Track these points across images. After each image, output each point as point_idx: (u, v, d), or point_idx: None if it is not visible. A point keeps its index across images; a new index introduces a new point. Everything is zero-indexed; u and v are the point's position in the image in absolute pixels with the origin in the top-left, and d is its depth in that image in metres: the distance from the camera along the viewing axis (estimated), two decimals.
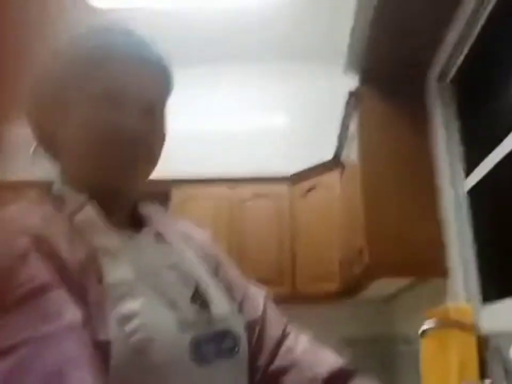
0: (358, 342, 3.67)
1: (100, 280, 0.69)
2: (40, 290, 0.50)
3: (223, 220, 3.61)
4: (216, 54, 4.02)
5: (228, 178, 3.68)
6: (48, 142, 0.85)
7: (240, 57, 4.06)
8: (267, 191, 3.68)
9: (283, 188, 3.67)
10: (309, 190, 3.57)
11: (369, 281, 2.61)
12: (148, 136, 0.81)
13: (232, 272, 0.98)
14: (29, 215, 0.72)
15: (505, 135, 1.81)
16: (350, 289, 3.15)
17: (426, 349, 2.22)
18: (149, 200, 0.90)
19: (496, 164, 1.92)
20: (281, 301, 3.68)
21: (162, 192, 3.44)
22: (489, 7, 1.93)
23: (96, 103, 0.78)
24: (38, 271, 0.52)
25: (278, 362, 0.88)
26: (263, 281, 3.62)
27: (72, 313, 0.55)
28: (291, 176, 3.65)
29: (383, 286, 2.78)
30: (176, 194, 3.63)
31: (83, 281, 0.67)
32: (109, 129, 0.78)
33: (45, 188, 0.84)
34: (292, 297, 3.45)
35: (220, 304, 0.83)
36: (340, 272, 3.26)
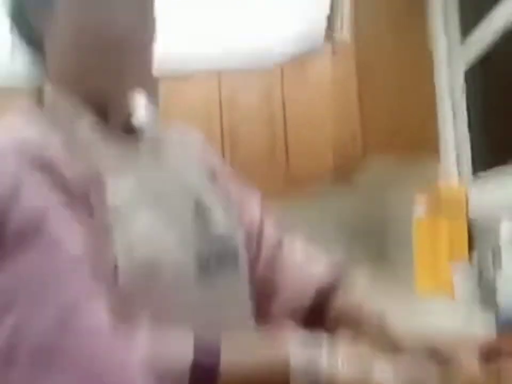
0: (353, 227, 3.77)
1: (104, 200, 0.67)
2: (40, 226, 0.48)
3: (213, 104, 3.56)
4: None
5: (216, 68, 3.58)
6: (34, 39, 0.78)
7: None
8: (257, 76, 3.58)
9: (275, 69, 3.57)
10: (301, 70, 3.47)
11: (363, 162, 2.61)
12: (140, 33, 0.76)
13: (228, 178, 0.97)
14: (24, 126, 0.67)
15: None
16: (344, 173, 3.17)
17: (418, 232, 2.27)
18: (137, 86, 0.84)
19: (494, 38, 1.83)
20: (276, 192, 3.74)
21: (150, 81, 3.34)
22: None
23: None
24: (33, 202, 0.50)
25: (273, 267, 0.91)
26: (257, 173, 3.65)
27: (74, 244, 0.54)
28: (282, 60, 3.53)
29: (375, 168, 2.79)
30: (162, 86, 3.53)
31: (88, 200, 0.65)
32: (100, 26, 0.73)
33: (34, 95, 0.78)
34: (286, 187, 3.49)
35: (220, 217, 0.82)
36: (333, 152, 3.26)
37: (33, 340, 0.42)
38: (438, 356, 0.66)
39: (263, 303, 0.88)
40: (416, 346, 0.68)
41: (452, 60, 2.18)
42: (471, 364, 0.63)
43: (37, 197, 0.52)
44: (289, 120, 3.52)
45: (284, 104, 3.54)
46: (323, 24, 3.14)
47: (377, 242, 3.69)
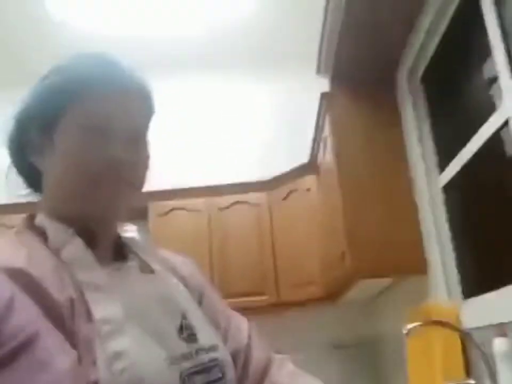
0: (344, 344, 3.66)
1: (89, 318, 0.68)
2: (29, 344, 0.48)
3: (202, 230, 3.59)
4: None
5: (204, 187, 3.67)
6: (29, 173, 0.83)
7: (206, 68, 4.05)
8: (245, 198, 3.66)
9: (261, 195, 3.66)
10: (287, 195, 3.56)
11: (352, 284, 2.61)
12: (134, 166, 0.80)
13: (216, 300, 0.97)
14: (13, 252, 0.69)
15: (475, 131, 1.83)
16: (332, 293, 3.15)
17: (411, 348, 2.22)
18: (128, 217, 0.88)
19: (468, 160, 1.94)
20: (266, 310, 3.70)
21: (140, 208, 3.42)
22: (453, 7, 1.95)
23: (81, 135, 0.77)
24: (24, 321, 0.50)
25: None
26: (247, 292, 3.63)
27: (61, 361, 0.54)
28: (268, 181, 3.64)
29: (365, 288, 2.78)
30: (154, 209, 3.60)
31: (72, 320, 0.66)
32: (95, 160, 0.76)
33: (25, 220, 0.81)
34: (276, 305, 3.44)
35: (206, 335, 0.82)
36: (321, 276, 3.26)
37: None
38: None
39: None
40: None
41: (430, 179, 2.28)
42: None
43: (29, 314, 0.52)
44: (277, 244, 3.56)
45: (272, 230, 3.58)
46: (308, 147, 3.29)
47: (369, 360, 3.57)
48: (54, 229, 0.77)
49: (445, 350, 1.88)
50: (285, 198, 3.57)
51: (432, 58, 2.26)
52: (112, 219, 0.82)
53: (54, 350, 0.55)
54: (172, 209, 3.64)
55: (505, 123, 1.61)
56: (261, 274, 3.50)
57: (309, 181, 3.40)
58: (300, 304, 3.40)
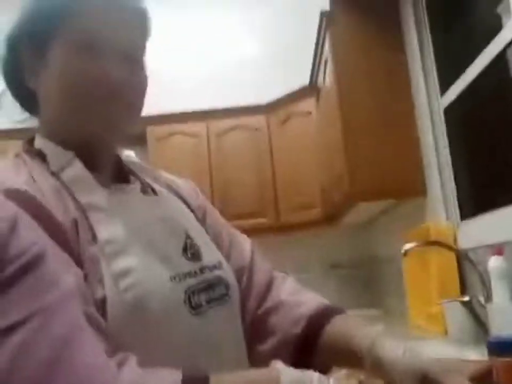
0: (342, 265, 3.77)
1: (93, 238, 0.69)
2: (35, 262, 0.48)
3: (202, 155, 3.59)
4: None
5: (203, 111, 3.62)
6: (26, 95, 0.81)
7: None
8: (244, 122, 3.63)
9: (260, 118, 3.63)
10: (286, 119, 3.53)
11: (350, 207, 2.64)
12: (131, 85, 0.77)
13: (218, 220, 0.97)
14: (14, 175, 0.69)
15: (480, 52, 1.78)
16: (331, 215, 3.19)
17: (408, 267, 2.28)
18: (126, 142, 0.87)
19: (470, 82, 1.90)
20: (266, 231, 3.76)
21: (138, 133, 3.39)
22: None
23: (75, 52, 0.74)
24: (29, 240, 0.50)
25: (265, 305, 0.89)
26: (247, 214, 3.67)
27: (67, 279, 0.55)
28: (267, 105, 3.60)
29: (364, 210, 2.82)
30: (152, 133, 3.58)
31: (77, 241, 0.66)
32: (90, 79, 0.74)
33: (24, 143, 0.80)
34: (276, 228, 3.50)
35: (210, 253, 0.83)
36: (321, 199, 3.29)
37: (27, 375, 0.42)
38: (429, 383, 0.66)
39: (255, 344, 0.87)
40: (407, 374, 0.67)
41: (431, 101, 2.25)
42: None
43: (34, 234, 0.52)
44: (277, 167, 3.56)
45: (271, 154, 3.58)
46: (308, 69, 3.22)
47: (366, 280, 3.68)
48: (53, 151, 0.76)
49: (441, 269, 1.93)
50: (284, 122, 3.54)
51: None
52: (111, 141, 0.81)
53: (60, 269, 0.56)
54: (170, 134, 3.62)
55: None
56: (261, 197, 3.54)
57: (309, 104, 3.36)
58: (299, 226, 3.45)
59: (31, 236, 0.50)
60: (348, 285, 3.72)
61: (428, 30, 2.30)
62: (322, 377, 0.60)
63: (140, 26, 0.81)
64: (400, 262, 2.33)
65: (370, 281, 3.68)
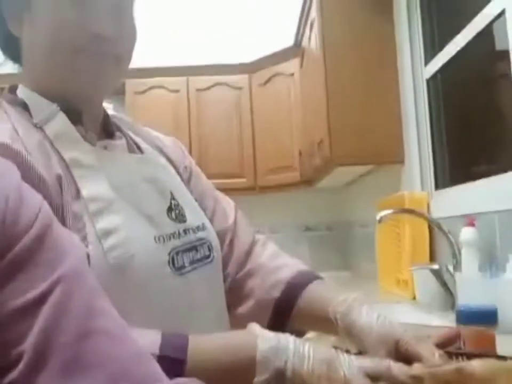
0: (316, 227, 3.82)
1: (77, 195, 0.67)
2: (44, 232, 0.47)
3: (181, 111, 3.55)
4: None
5: (185, 67, 3.56)
6: (8, 41, 0.77)
7: None
8: (226, 80, 3.58)
9: (242, 77, 3.58)
10: (269, 79, 3.49)
11: (329, 171, 2.65)
12: (119, 38, 0.74)
13: (203, 181, 0.97)
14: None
15: (463, 22, 1.77)
16: (309, 178, 3.21)
17: (381, 234, 2.32)
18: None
19: (454, 54, 1.90)
20: (243, 192, 3.77)
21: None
22: None
23: (63, 2, 0.71)
24: (35, 208, 0.48)
25: (245, 268, 0.90)
26: (225, 175, 3.67)
27: (74, 241, 0.54)
28: (250, 63, 3.55)
29: (342, 175, 2.84)
30: (131, 86, 3.51)
31: (61, 197, 0.65)
32: (78, 31, 0.71)
33: (7, 93, 0.77)
34: (254, 189, 3.51)
35: (194, 215, 0.83)
36: (299, 162, 3.30)
37: (60, 344, 0.42)
38: (401, 350, 0.68)
39: (234, 307, 0.88)
40: (379, 341, 0.69)
41: (415, 70, 2.24)
42: (433, 357, 0.65)
43: (35, 200, 0.50)
44: (257, 128, 3.55)
45: (252, 113, 3.55)
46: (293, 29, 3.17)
47: (339, 244, 3.75)
48: (36, 103, 0.74)
49: (413, 237, 1.97)
50: (267, 82, 3.51)
51: None
52: (97, 94, 0.79)
53: (64, 232, 0.54)
54: (150, 88, 3.56)
55: (500, 14, 1.56)
56: (240, 158, 3.54)
57: (293, 65, 3.33)
58: (277, 188, 3.47)
59: (34, 202, 0.49)
60: (321, 248, 3.79)
61: None
62: (298, 340, 0.61)
63: None
64: (374, 227, 2.37)
65: (343, 244, 3.75)
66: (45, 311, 0.43)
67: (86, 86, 0.75)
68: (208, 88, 3.59)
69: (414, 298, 1.88)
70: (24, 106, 0.74)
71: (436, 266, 1.66)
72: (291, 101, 3.35)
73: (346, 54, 2.36)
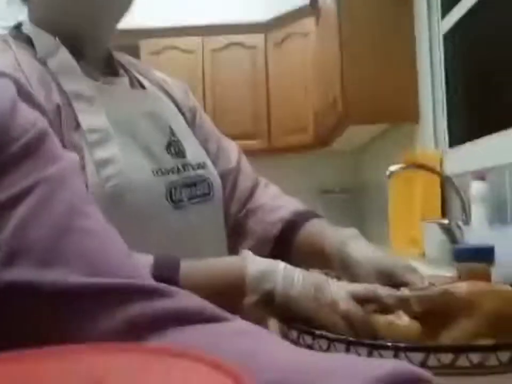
0: (332, 190, 3.81)
1: (76, 126, 0.69)
2: (37, 141, 0.47)
3: (196, 71, 3.53)
4: None
5: (199, 26, 3.53)
6: None
7: None
8: (241, 39, 3.55)
9: (257, 36, 3.54)
10: (284, 39, 3.45)
11: (342, 130, 2.63)
12: None
13: (207, 123, 0.97)
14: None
15: None
16: (323, 139, 3.19)
17: (392, 190, 2.31)
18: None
19: (470, 8, 1.85)
20: (257, 154, 3.78)
21: (130, 45, 3.31)
22: None
23: None
24: (30, 119, 0.49)
25: (246, 208, 0.91)
26: (238, 135, 3.69)
27: (70, 155, 0.54)
28: (266, 23, 3.50)
29: (355, 135, 2.82)
30: (145, 47, 3.49)
31: (60, 127, 0.66)
32: None
33: (12, 28, 0.78)
34: (267, 150, 3.50)
35: (194, 153, 0.83)
36: (314, 123, 3.27)
37: (36, 238, 0.41)
38: (395, 281, 0.68)
39: (235, 246, 0.89)
40: (373, 272, 0.70)
41: (432, 25, 2.19)
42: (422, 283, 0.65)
43: (32, 115, 0.51)
44: (272, 89, 3.52)
45: (267, 74, 3.52)
46: None
47: (355, 206, 3.74)
48: (40, 37, 0.75)
49: (425, 192, 1.96)
50: (282, 42, 3.46)
51: None
52: (100, 28, 0.79)
53: (61, 147, 0.55)
54: (164, 48, 3.54)
55: None
56: (254, 119, 3.52)
57: (308, 24, 3.28)
58: (291, 150, 3.46)
59: (28, 118, 0.49)
60: (336, 210, 3.78)
61: None
62: (289, 266, 0.62)
63: None
64: (387, 189, 2.36)
65: (358, 207, 3.74)
66: (23, 207, 0.42)
67: (90, 20, 0.75)
68: (223, 48, 3.56)
69: (424, 255, 1.88)
70: (29, 41, 0.75)
71: (445, 221, 1.65)
72: (306, 62, 3.31)
73: (361, 12, 2.31)
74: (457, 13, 1.98)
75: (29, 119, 0.49)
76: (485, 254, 0.76)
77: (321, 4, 2.88)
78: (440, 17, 2.16)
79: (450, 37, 2.11)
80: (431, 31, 2.19)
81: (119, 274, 0.43)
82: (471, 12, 1.87)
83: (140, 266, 0.47)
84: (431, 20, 2.19)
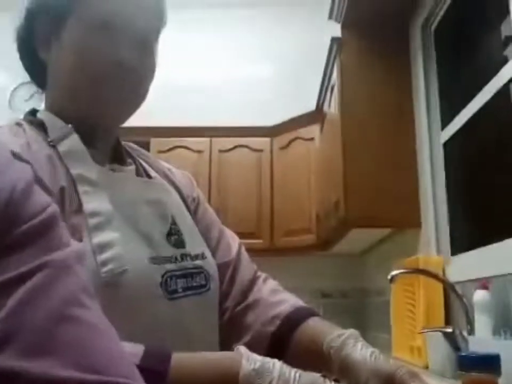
0: (332, 294, 3.74)
1: (79, 208, 0.70)
2: (49, 223, 0.48)
3: (203, 170, 3.60)
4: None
5: (208, 127, 3.65)
6: (36, 67, 0.83)
7: (223, 3, 3.97)
8: (248, 142, 3.66)
9: (264, 140, 3.65)
10: (290, 143, 3.55)
11: (345, 233, 2.64)
12: (141, 71, 0.80)
13: (210, 213, 0.98)
14: (11, 138, 0.70)
15: (480, 88, 1.80)
16: (325, 242, 3.19)
17: (395, 298, 2.26)
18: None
19: (469, 118, 1.92)
20: (259, 253, 3.77)
21: (141, 142, 3.41)
22: None
23: (90, 31, 0.76)
24: (44, 201, 0.50)
25: (244, 303, 0.89)
26: (242, 234, 3.67)
27: (76, 242, 0.55)
28: (272, 127, 3.62)
29: (358, 238, 2.81)
30: (155, 145, 3.60)
31: (62, 209, 0.67)
32: (103, 59, 0.76)
33: (26, 113, 0.82)
34: (270, 250, 3.48)
35: (194, 243, 0.83)
36: (316, 225, 3.29)
37: (29, 325, 0.40)
38: None
39: (231, 342, 0.86)
40: (373, 377, 0.67)
41: (432, 134, 2.26)
42: None
43: (45, 197, 0.52)
44: (276, 191, 3.57)
45: (272, 176, 3.59)
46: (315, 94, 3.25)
47: (354, 313, 3.65)
48: (53, 122, 0.77)
49: (428, 302, 1.92)
50: (287, 145, 3.57)
51: (448, 11, 2.20)
52: (112, 121, 0.82)
53: (68, 234, 0.55)
54: (173, 147, 3.64)
55: None
56: (257, 219, 3.54)
57: (313, 129, 3.39)
58: (293, 250, 3.44)
59: (43, 200, 0.50)
60: (336, 315, 3.69)
61: (435, 63, 2.33)
62: (285, 365, 0.59)
63: (156, 10, 0.83)
64: (389, 295, 2.32)
65: (357, 312, 3.65)
66: (22, 289, 0.41)
67: (103, 112, 0.79)
68: (230, 149, 3.66)
69: (427, 367, 1.80)
70: (41, 126, 0.77)
71: (449, 329, 1.60)
72: (311, 165, 3.39)
73: (363, 118, 2.40)
74: (456, 124, 2.05)
75: (42, 202, 0.49)
76: (491, 363, 0.73)
77: (326, 109, 3.01)
78: (439, 128, 2.24)
79: (450, 144, 2.17)
80: (431, 141, 2.26)
81: (111, 372, 0.41)
82: (470, 122, 1.94)
83: (134, 369, 0.45)
84: (431, 131, 2.27)
